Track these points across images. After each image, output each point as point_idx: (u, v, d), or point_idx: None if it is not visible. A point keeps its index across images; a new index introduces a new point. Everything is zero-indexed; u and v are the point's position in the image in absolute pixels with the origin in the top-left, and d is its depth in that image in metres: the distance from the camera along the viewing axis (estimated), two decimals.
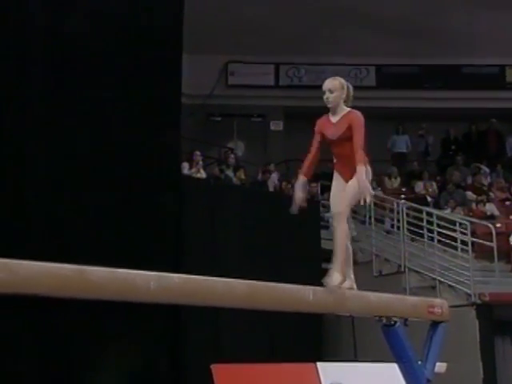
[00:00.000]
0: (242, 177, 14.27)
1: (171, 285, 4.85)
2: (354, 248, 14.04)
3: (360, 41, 18.87)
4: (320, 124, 6.01)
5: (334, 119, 5.94)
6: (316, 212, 13.95)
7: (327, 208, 15.06)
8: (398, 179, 18.19)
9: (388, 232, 15.70)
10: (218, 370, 8.42)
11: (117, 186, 9.41)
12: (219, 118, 19.50)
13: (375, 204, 14.87)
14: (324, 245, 13.18)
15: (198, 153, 12.97)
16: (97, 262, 4.36)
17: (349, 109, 5.95)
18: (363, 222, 15.66)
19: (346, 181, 5.85)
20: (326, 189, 15.81)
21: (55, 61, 9.09)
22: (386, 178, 18.01)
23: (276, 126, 20.03)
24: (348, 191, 5.78)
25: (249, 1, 17.57)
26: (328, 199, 6.24)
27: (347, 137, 5.82)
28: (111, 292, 4.53)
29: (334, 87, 5.90)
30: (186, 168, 12.36)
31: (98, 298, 4.59)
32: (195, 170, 12.69)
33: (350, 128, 5.83)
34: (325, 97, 5.92)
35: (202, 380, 8.62)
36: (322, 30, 18.43)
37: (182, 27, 10.67)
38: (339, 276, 5.60)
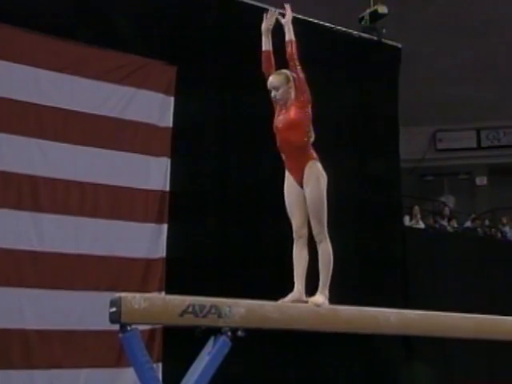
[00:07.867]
0: (455, 225, 13.54)
1: (408, 320, 4.58)
2: None
3: None
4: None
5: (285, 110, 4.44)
6: None
7: None
8: None
9: None
10: None
11: (349, 237, 9.03)
12: (431, 178, 19.00)
13: None
14: None
15: (416, 207, 12.46)
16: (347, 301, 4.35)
17: None
18: None
19: (297, 181, 4.40)
20: None
21: None
22: None
23: (481, 181, 19.06)
24: (312, 209, 4.32)
25: (451, 81, 16.97)
26: None
27: (294, 121, 4.33)
28: (359, 326, 4.41)
29: (280, 83, 4.40)
30: (407, 220, 11.94)
31: (345, 331, 4.47)
32: (415, 222, 12.21)
33: (294, 105, 4.36)
34: (272, 95, 4.45)
35: None
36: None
37: (397, 105, 10.39)
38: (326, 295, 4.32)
